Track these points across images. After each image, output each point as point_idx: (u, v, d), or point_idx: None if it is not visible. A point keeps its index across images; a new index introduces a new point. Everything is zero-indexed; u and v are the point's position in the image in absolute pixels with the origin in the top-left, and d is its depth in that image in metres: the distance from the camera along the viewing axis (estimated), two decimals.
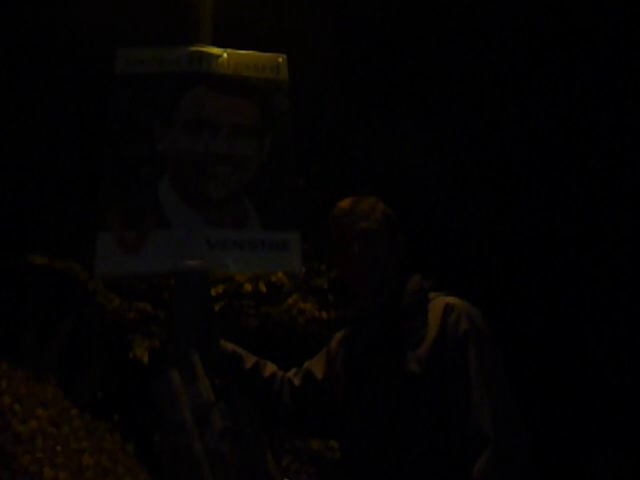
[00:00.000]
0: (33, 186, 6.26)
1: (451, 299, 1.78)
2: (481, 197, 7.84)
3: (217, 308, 5.34)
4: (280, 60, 2.22)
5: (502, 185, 8.06)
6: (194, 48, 2.15)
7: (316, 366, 1.96)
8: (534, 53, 7.93)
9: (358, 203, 1.86)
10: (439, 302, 1.77)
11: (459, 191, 7.89)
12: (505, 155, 8.09)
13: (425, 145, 7.26)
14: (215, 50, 2.17)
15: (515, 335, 6.71)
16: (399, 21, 7.70)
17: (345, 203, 1.88)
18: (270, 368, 1.97)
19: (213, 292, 4.95)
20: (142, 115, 2.07)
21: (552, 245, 8.12)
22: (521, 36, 7.77)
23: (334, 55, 7.08)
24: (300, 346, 5.53)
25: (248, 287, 5.63)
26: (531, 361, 7.10)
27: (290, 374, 1.99)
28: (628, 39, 7.66)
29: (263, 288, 5.64)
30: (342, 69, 7.43)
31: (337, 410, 1.85)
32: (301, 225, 2.05)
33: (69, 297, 5.68)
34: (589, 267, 7.87)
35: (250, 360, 1.94)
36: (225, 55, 2.16)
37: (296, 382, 1.96)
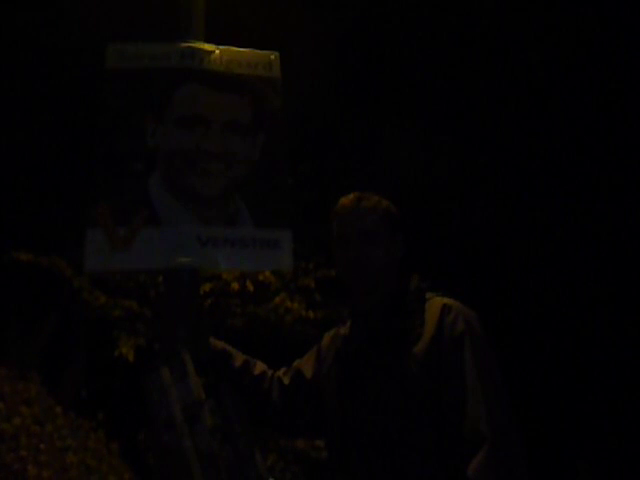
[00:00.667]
0: (18, 182, 6.20)
1: (448, 300, 1.79)
2: (475, 197, 7.87)
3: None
4: (272, 57, 2.21)
5: (498, 183, 8.09)
6: (186, 44, 2.14)
7: (306, 364, 1.96)
8: (537, 54, 7.96)
9: (360, 201, 1.86)
10: (436, 302, 1.78)
11: (452, 191, 7.90)
12: (502, 152, 8.10)
13: (418, 144, 7.28)
14: (207, 46, 2.16)
15: (510, 336, 6.73)
16: (391, 18, 7.71)
17: (347, 200, 1.87)
18: (260, 367, 1.96)
19: (200, 290, 4.92)
20: (133, 111, 2.05)
21: (551, 246, 8.15)
22: (523, 37, 7.80)
23: (325, 54, 7.08)
24: (287, 345, 5.52)
25: (235, 286, 5.60)
26: (525, 362, 7.13)
27: (280, 373, 1.99)
28: (630, 40, 7.71)
29: (250, 287, 5.61)
30: (333, 68, 7.43)
31: (327, 408, 1.84)
32: (292, 223, 2.05)
33: (54, 294, 5.63)
34: (589, 269, 7.91)
35: (240, 358, 1.93)
36: (217, 52, 2.15)
37: (285, 381, 1.96)
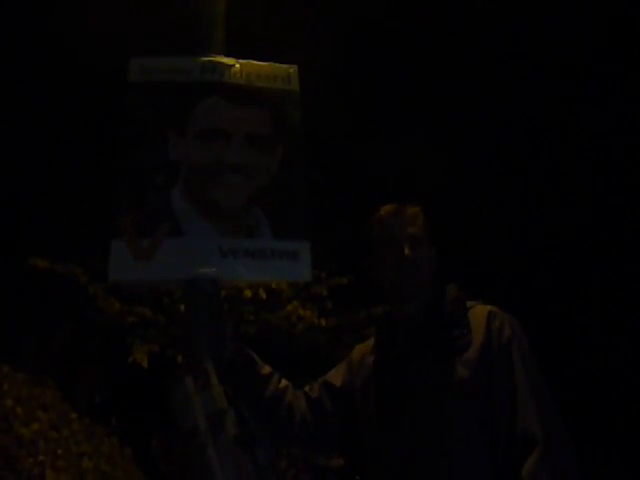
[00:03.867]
0: (35, 189, 6.28)
1: (492, 307, 1.83)
2: (485, 204, 7.88)
3: None
4: (291, 71, 2.25)
5: (507, 195, 8.09)
6: (207, 58, 2.18)
7: (335, 377, 1.97)
8: (537, 57, 7.98)
9: (404, 208, 1.90)
10: (480, 310, 1.82)
11: (462, 197, 7.92)
12: (512, 163, 8.11)
13: (427, 151, 7.30)
14: (227, 60, 2.20)
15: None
16: (401, 28, 7.75)
17: (391, 207, 1.92)
18: (284, 381, 1.96)
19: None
20: (155, 124, 2.09)
21: (559, 251, 8.14)
22: (524, 41, 7.82)
23: (336, 63, 7.13)
24: (299, 352, 5.55)
25: (248, 293, 5.65)
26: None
27: (305, 389, 1.99)
28: (629, 40, 7.72)
29: (263, 294, 5.66)
30: (344, 76, 7.47)
31: (362, 421, 1.85)
32: (310, 234, 2.08)
33: (69, 301, 5.69)
34: (604, 271, 7.87)
35: (266, 368, 1.94)
36: (237, 65, 2.19)
37: (312, 394, 1.96)
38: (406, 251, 1.82)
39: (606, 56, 7.95)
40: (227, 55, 2.24)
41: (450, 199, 7.79)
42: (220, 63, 2.17)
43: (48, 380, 4.78)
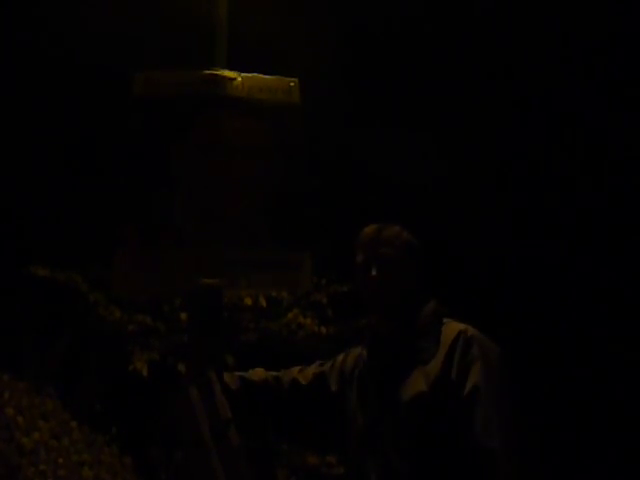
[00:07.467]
0: (35, 197, 6.30)
1: (466, 326, 1.82)
2: (483, 208, 7.88)
3: None
4: (292, 83, 2.28)
5: (507, 196, 8.09)
6: (209, 71, 2.21)
7: (330, 375, 1.99)
8: (536, 54, 7.99)
9: (382, 230, 1.90)
10: (453, 326, 1.83)
11: (462, 203, 7.92)
12: (512, 164, 8.11)
13: (427, 158, 7.31)
14: (229, 73, 2.24)
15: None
16: (400, 28, 7.77)
17: (370, 229, 1.91)
18: (258, 374, 1.99)
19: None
20: (158, 136, 2.13)
21: (555, 253, 8.12)
22: (522, 38, 7.84)
23: (334, 71, 7.16)
24: (299, 361, 5.54)
25: (248, 301, 5.66)
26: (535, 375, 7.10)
27: (294, 373, 2.03)
28: (629, 39, 7.74)
29: (263, 302, 5.67)
30: (342, 83, 7.50)
31: (347, 426, 1.88)
32: (311, 245, 2.11)
33: (70, 309, 5.70)
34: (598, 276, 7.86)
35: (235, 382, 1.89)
36: (239, 78, 2.23)
37: (303, 380, 1.99)
38: (373, 272, 1.83)
39: (603, 52, 7.97)
40: (229, 66, 2.27)
41: (449, 200, 7.80)
42: (222, 76, 2.21)
43: (48, 389, 4.78)
